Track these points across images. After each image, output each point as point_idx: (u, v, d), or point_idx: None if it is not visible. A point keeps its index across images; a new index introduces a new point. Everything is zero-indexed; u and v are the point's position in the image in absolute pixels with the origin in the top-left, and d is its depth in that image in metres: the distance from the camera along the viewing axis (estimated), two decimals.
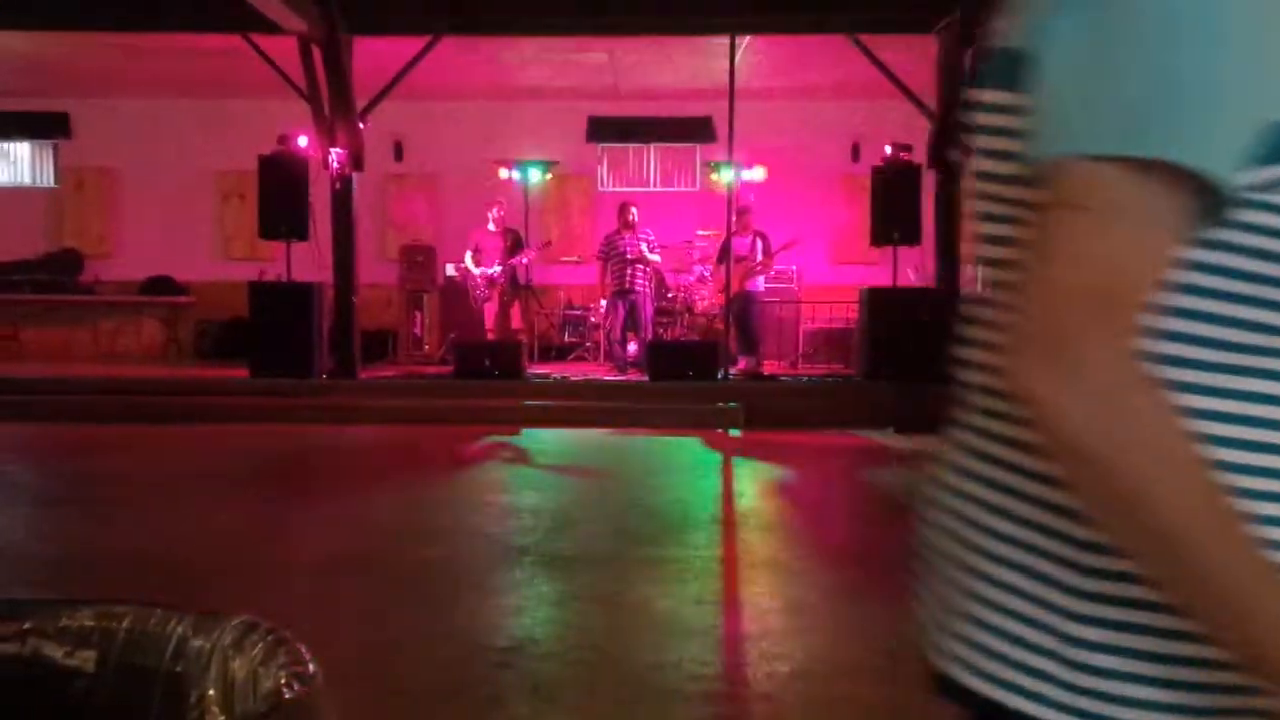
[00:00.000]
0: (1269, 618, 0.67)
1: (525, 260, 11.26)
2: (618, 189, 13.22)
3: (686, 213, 12.98)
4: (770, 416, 9.09)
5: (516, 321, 11.31)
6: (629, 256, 10.68)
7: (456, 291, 11.92)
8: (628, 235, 10.74)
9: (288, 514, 5.89)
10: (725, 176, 10.83)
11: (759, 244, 10.64)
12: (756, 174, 12.11)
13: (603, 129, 13.09)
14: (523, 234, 11.42)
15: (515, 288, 11.38)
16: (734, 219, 10.62)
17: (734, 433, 8.86)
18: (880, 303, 9.94)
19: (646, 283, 10.83)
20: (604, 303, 11.24)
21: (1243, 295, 0.72)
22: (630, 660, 3.50)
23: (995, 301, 0.81)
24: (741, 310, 10.66)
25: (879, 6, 9.54)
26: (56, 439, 8.54)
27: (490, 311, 11.13)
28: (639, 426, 8.92)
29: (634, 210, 10.82)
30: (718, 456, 8.02)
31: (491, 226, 11.09)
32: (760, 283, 10.88)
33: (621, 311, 10.87)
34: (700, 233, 12.41)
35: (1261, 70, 0.67)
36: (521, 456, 8.04)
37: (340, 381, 10.03)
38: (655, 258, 10.94)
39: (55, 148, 13.58)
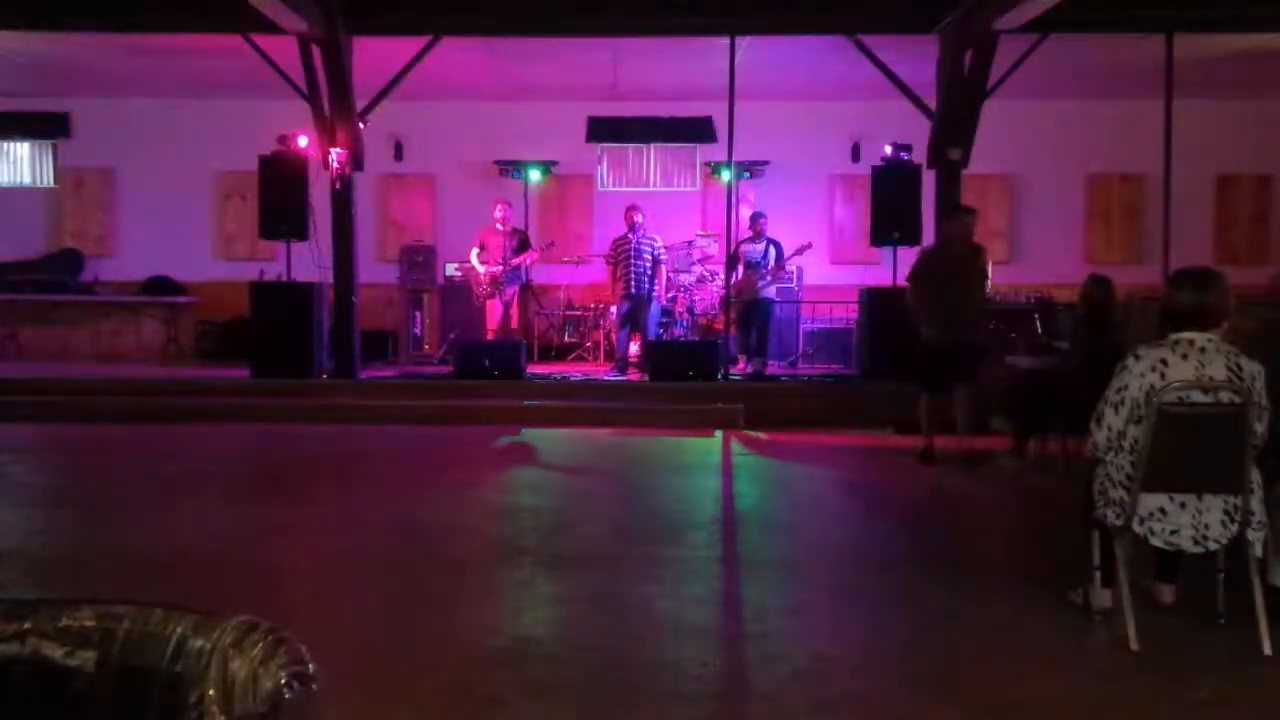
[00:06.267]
0: None
1: (528, 261, 11.27)
2: (618, 189, 13.21)
3: (686, 213, 12.98)
4: (770, 416, 9.09)
5: (514, 321, 11.31)
6: (635, 259, 10.67)
7: (456, 291, 11.92)
8: (633, 237, 10.74)
9: (288, 514, 5.88)
10: (725, 176, 10.84)
11: (772, 251, 10.67)
12: (757, 174, 12.14)
13: (603, 129, 13.09)
14: (526, 235, 11.43)
15: (519, 286, 11.37)
16: (749, 225, 10.70)
17: (733, 433, 8.85)
18: (880, 303, 9.93)
19: (651, 285, 10.82)
20: (615, 309, 11.19)
21: None
22: (630, 660, 3.50)
23: None
24: (756, 315, 10.69)
25: (879, 6, 9.54)
26: (56, 439, 8.54)
27: (492, 309, 11.13)
28: (639, 426, 8.93)
29: (639, 214, 10.81)
30: (717, 456, 8.02)
31: (499, 226, 11.09)
32: (773, 289, 10.93)
33: (626, 311, 10.88)
34: (700, 233, 12.42)
35: None
36: (521, 456, 8.04)
37: (340, 381, 10.03)
38: (661, 259, 10.94)
39: (55, 148, 13.57)
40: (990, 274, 7.50)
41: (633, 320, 10.89)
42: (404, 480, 7.00)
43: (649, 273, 10.75)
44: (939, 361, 7.14)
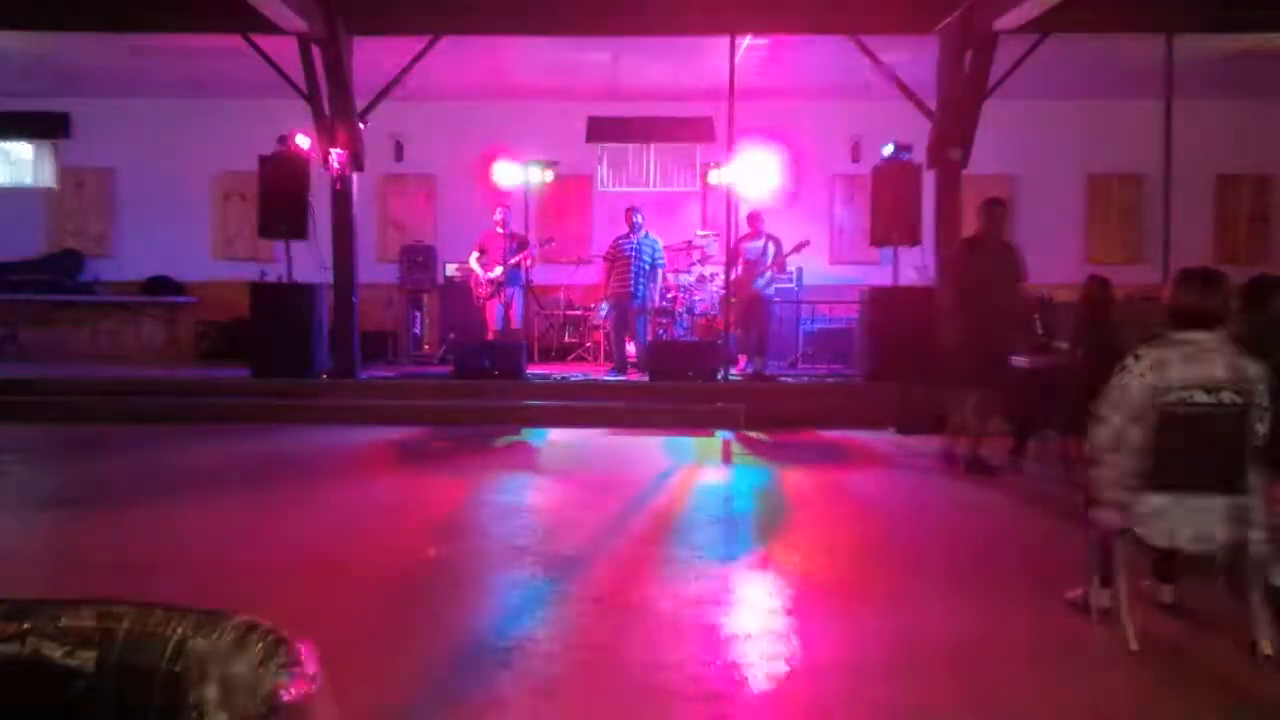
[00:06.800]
0: None
1: (527, 260, 11.27)
2: (618, 189, 13.21)
3: (686, 213, 12.98)
4: (770, 417, 9.09)
5: (515, 322, 11.31)
6: (634, 259, 10.67)
7: (456, 291, 11.92)
8: (634, 238, 10.74)
9: (287, 514, 5.89)
10: (725, 176, 10.85)
11: (770, 248, 10.68)
12: (757, 174, 12.13)
13: (603, 129, 13.09)
14: (526, 236, 11.45)
15: (521, 287, 11.38)
16: (748, 223, 10.71)
17: (734, 433, 8.85)
18: (880, 303, 9.94)
19: (645, 289, 10.82)
20: (604, 307, 11.22)
21: None
22: (630, 660, 3.50)
23: None
24: (756, 313, 10.69)
25: (879, 6, 9.54)
26: (56, 439, 8.54)
27: (493, 310, 11.14)
28: (639, 426, 8.92)
29: (637, 215, 10.80)
30: (717, 456, 8.02)
31: (498, 229, 11.09)
32: (771, 287, 10.93)
33: (618, 315, 10.88)
34: (699, 233, 12.42)
35: None
36: (521, 456, 8.04)
37: (340, 381, 10.03)
38: (661, 263, 10.94)
39: (55, 148, 13.57)
40: (1026, 275, 7.20)
41: (623, 322, 10.90)
42: (404, 480, 6.99)
43: (645, 275, 10.75)
44: (974, 361, 6.85)
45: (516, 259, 11.05)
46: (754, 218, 10.86)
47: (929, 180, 9.90)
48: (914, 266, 10.47)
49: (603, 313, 11.43)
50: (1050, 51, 9.51)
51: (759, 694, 3.24)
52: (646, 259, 10.75)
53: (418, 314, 12.14)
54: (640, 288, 10.74)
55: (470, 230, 11.53)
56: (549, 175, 12.37)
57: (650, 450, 8.09)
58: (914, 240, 9.92)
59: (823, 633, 3.85)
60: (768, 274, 10.70)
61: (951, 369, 7.10)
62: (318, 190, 10.14)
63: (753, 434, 8.81)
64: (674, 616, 3.96)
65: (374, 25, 9.77)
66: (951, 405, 7.26)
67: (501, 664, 3.43)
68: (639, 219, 10.77)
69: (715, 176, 12.11)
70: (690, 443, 8.41)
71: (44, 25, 9.80)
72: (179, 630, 1.41)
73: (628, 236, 10.80)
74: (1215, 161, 12.63)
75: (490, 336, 11.10)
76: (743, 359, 10.96)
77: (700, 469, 7.47)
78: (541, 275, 12.55)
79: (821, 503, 6.40)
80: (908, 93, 9.86)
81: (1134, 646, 3.51)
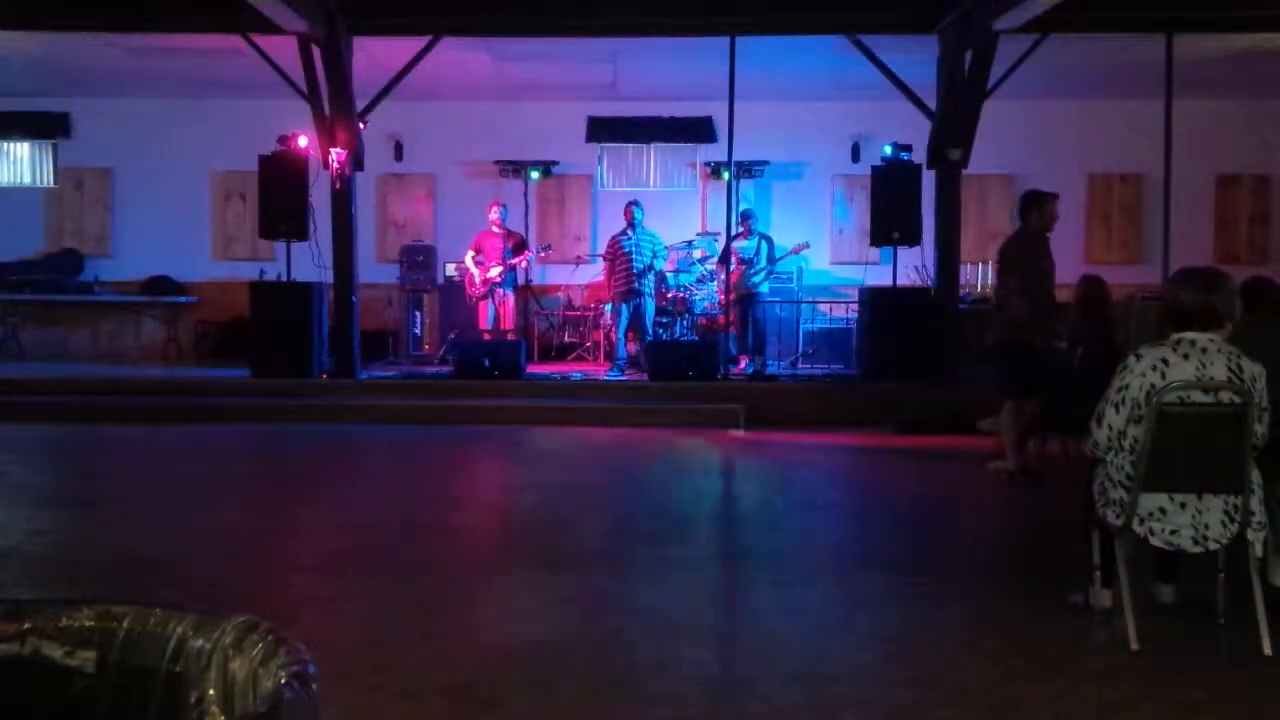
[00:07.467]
0: None
1: (524, 264, 11.27)
2: (618, 189, 13.21)
3: (686, 213, 12.98)
4: (770, 416, 9.09)
5: (508, 321, 11.31)
6: (635, 255, 10.67)
7: (456, 291, 11.93)
8: (632, 234, 10.74)
9: (288, 514, 5.89)
10: (725, 176, 10.87)
11: (764, 247, 10.70)
12: (756, 174, 12.14)
13: (602, 129, 13.09)
14: (524, 237, 11.46)
15: (513, 288, 11.38)
16: (739, 223, 10.72)
17: (733, 433, 8.85)
18: (880, 303, 9.94)
19: (647, 284, 10.82)
20: (609, 306, 11.21)
21: None
22: (630, 660, 3.50)
23: None
24: (751, 312, 10.71)
25: (879, 6, 9.54)
26: (56, 439, 8.54)
27: (485, 310, 11.14)
28: (639, 426, 8.92)
29: (637, 210, 10.80)
30: (717, 456, 8.02)
31: (495, 229, 11.09)
32: (766, 285, 10.95)
33: (626, 313, 10.87)
34: (699, 233, 12.42)
35: None
36: (521, 456, 8.04)
37: (340, 381, 10.03)
38: (662, 256, 10.95)
39: (55, 148, 13.56)
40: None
41: (631, 319, 10.90)
42: (404, 480, 6.99)
43: (647, 270, 10.76)
44: (1038, 362, 6.56)
45: (515, 261, 11.06)
46: (745, 216, 10.91)
47: (929, 180, 9.90)
48: (914, 266, 10.48)
49: (609, 311, 11.42)
50: (1050, 51, 9.52)
51: (759, 694, 3.24)
52: (647, 254, 10.74)
53: (418, 314, 12.14)
54: (643, 284, 10.74)
55: (470, 230, 11.52)
56: (548, 175, 12.40)
57: (650, 450, 8.09)
58: (914, 240, 9.93)
59: (822, 633, 3.85)
60: (763, 273, 10.74)
61: (1012, 375, 6.66)
62: (318, 190, 10.14)
63: (752, 434, 8.81)
64: (674, 616, 3.96)
65: (374, 25, 9.77)
66: (1011, 414, 6.67)
67: (502, 664, 3.43)
68: (638, 214, 10.77)
69: (715, 176, 12.11)
70: (690, 443, 8.41)
71: (44, 25, 9.80)
72: (179, 630, 1.42)
73: (625, 233, 10.80)
74: (1215, 161, 12.63)
75: (484, 336, 11.11)
76: (743, 359, 10.97)
77: (699, 469, 7.47)
78: (541, 275, 12.55)
79: (820, 503, 6.40)
80: (908, 93, 9.87)
81: (1134, 646, 3.51)
